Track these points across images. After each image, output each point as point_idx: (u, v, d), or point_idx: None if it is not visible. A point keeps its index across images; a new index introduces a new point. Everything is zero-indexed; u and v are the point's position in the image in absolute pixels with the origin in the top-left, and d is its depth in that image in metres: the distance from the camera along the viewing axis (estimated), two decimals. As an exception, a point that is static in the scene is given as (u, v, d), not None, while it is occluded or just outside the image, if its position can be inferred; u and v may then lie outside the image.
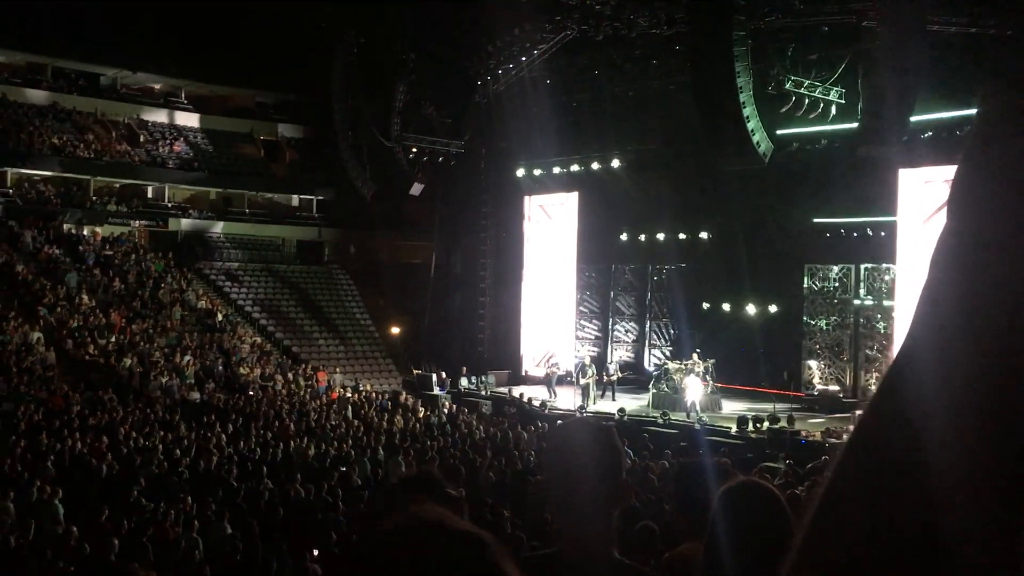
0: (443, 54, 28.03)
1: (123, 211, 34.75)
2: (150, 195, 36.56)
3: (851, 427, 0.65)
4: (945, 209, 0.67)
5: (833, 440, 18.44)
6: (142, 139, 36.74)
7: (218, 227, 36.72)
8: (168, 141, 37.37)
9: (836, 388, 24.13)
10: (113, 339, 25.99)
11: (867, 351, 23.91)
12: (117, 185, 36.17)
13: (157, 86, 39.21)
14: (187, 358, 25.88)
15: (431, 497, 1.97)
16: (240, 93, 40.31)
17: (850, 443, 0.64)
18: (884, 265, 23.21)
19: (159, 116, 38.33)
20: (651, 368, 28.09)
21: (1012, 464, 0.56)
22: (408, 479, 2.15)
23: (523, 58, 26.82)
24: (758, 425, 19.95)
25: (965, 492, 0.56)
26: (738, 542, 2.10)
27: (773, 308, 25.35)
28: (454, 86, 28.70)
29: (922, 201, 21.27)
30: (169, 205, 36.61)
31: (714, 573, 2.14)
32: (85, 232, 32.60)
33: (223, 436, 17.56)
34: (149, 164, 36.15)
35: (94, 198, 34.72)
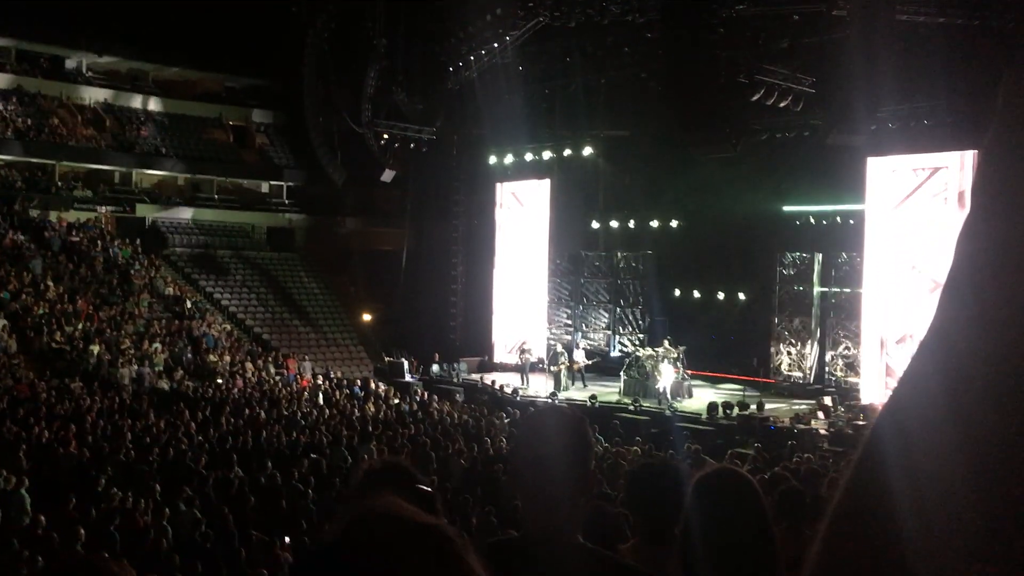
0: (415, 40, 27.85)
1: (89, 196, 34.28)
2: (117, 180, 36.08)
3: (845, 472, 0.63)
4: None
5: (801, 426, 18.68)
6: (108, 124, 36.23)
7: (187, 213, 36.35)
8: (135, 126, 36.87)
9: (805, 375, 24.39)
10: (80, 326, 25.68)
11: (835, 338, 24.17)
12: (83, 170, 35.66)
13: (124, 70, 38.63)
14: (155, 345, 25.64)
15: (400, 488, 1.96)
16: (209, 77, 39.85)
17: (838, 503, 0.62)
18: (852, 253, 23.45)
19: (126, 100, 37.78)
20: (617, 354, 28.29)
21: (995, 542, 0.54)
22: (375, 469, 2.14)
23: (495, 44, 26.71)
24: (728, 411, 20.14)
25: (972, 529, 0.54)
26: (713, 529, 2.13)
27: (743, 295, 25.58)
28: (426, 72, 28.54)
29: (890, 189, 21.52)
30: (136, 191, 36.17)
31: (690, 559, 2.16)
32: (51, 218, 32.13)
33: (192, 424, 17.44)
34: (116, 149, 35.66)
35: (59, 183, 34.21)
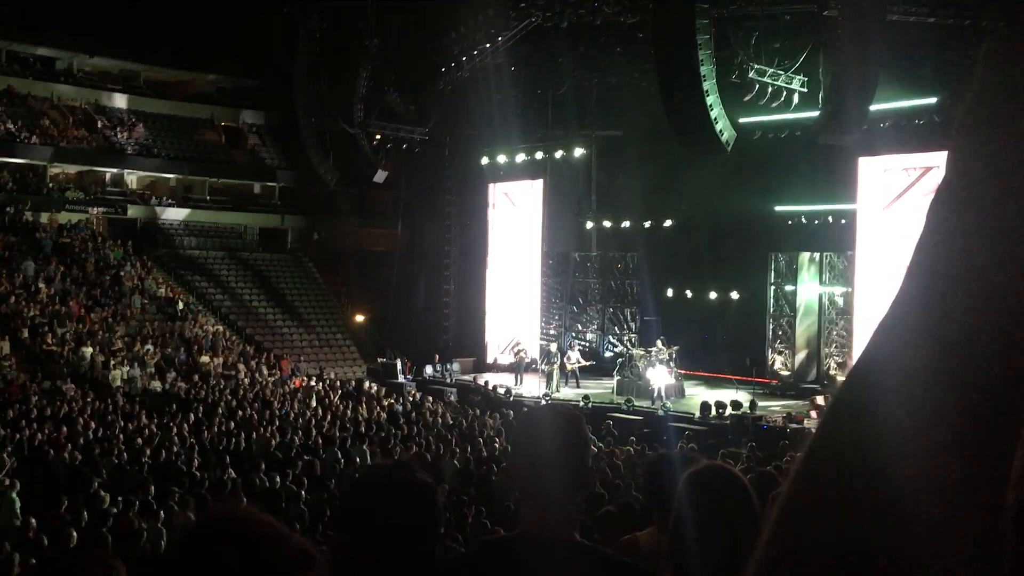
0: (407, 40, 27.85)
1: (81, 198, 34.17)
2: (108, 182, 35.96)
3: (812, 431, 0.64)
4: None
5: (794, 425, 18.70)
6: (100, 125, 36.11)
7: (179, 214, 36.26)
8: (127, 127, 36.76)
9: (798, 374, 24.43)
10: (72, 328, 25.60)
11: (828, 337, 24.23)
12: (74, 171, 35.54)
13: (115, 71, 38.51)
14: (148, 347, 25.57)
15: (401, 484, 1.99)
16: (200, 78, 39.75)
17: (809, 450, 0.62)
18: (845, 252, 23.50)
19: (117, 101, 37.66)
20: (609, 354, 28.33)
21: (976, 475, 0.55)
22: (380, 468, 2.18)
23: (487, 45, 26.71)
24: (721, 411, 20.16)
25: (929, 503, 0.55)
26: (703, 524, 2.14)
27: (735, 295, 25.61)
28: (418, 73, 28.54)
29: (881, 189, 21.60)
30: (128, 192, 36.07)
31: (680, 555, 2.17)
32: (42, 219, 32.02)
33: (185, 426, 17.40)
34: (107, 150, 35.55)
35: (51, 184, 34.10)
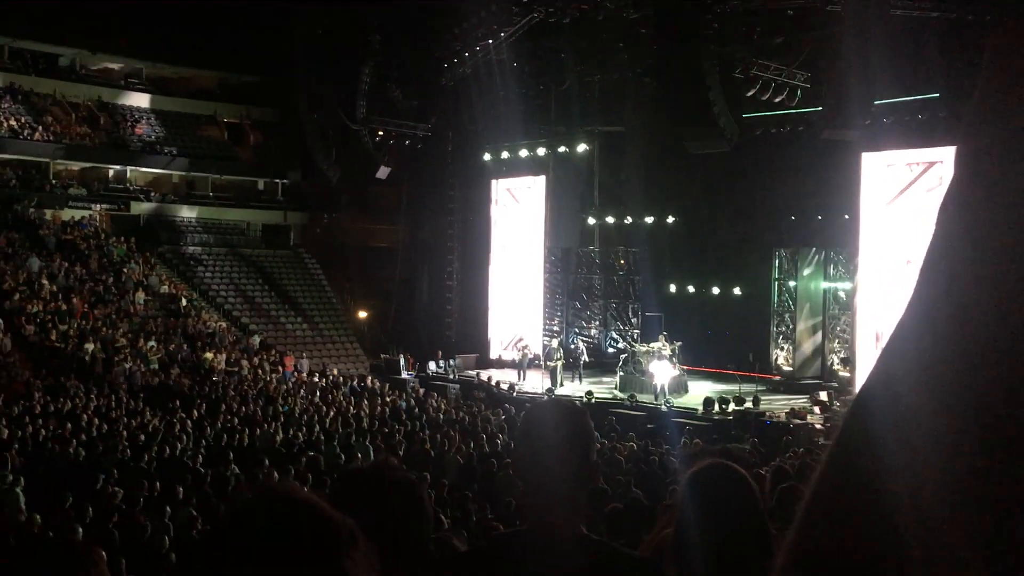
0: (409, 36, 27.81)
1: (84, 195, 34.20)
2: (111, 178, 36.00)
3: (828, 443, 0.63)
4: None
5: (797, 421, 18.71)
6: (102, 121, 36.13)
7: (182, 211, 36.29)
8: (129, 123, 36.78)
9: (801, 370, 24.40)
10: (75, 324, 25.64)
11: (831, 333, 24.20)
12: (77, 168, 35.58)
13: (118, 67, 38.52)
14: (151, 343, 25.60)
15: (383, 486, 1.98)
16: (203, 75, 39.73)
17: (826, 460, 0.62)
18: (848, 248, 23.47)
19: (120, 98, 37.67)
20: (611, 350, 28.35)
21: (999, 490, 0.53)
22: (361, 470, 2.16)
23: (490, 41, 26.68)
24: (724, 407, 20.16)
25: (940, 519, 0.54)
26: (707, 524, 2.13)
27: (738, 290, 25.60)
28: (420, 68, 28.50)
29: (885, 184, 21.54)
30: (131, 188, 36.10)
31: (684, 554, 2.17)
32: (46, 216, 32.05)
33: (188, 422, 17.43)
34: (110, 147, 35.57)
35: (54, 181, 34.13)
